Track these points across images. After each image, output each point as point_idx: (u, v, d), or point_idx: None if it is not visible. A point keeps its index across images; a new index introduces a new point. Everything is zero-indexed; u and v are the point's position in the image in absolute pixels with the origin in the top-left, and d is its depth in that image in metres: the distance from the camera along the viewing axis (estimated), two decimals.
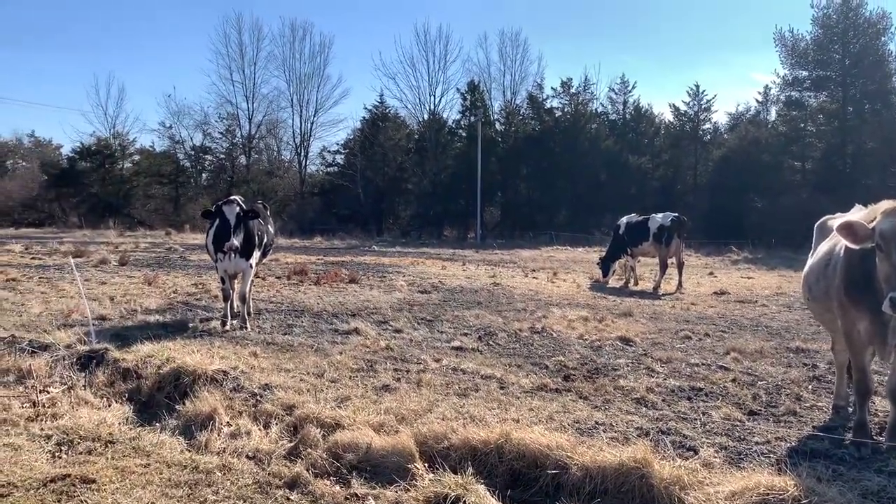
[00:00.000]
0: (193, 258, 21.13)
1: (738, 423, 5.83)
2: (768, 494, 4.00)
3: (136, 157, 61.24)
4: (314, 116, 62.14)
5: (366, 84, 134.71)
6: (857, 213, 5.42)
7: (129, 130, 61.90)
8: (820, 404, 6.60)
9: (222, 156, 62.52)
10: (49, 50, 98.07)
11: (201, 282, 14.85)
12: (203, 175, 63.71)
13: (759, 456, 5.01)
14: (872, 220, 4.75)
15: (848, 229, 4.85)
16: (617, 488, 4.32)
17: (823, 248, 5.79)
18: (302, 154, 62.98)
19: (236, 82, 60.81)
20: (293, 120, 62.76)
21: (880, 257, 4.63)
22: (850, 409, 6.17)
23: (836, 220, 5.47)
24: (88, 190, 56.08)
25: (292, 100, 61.76)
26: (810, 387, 7.29)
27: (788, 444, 5.30)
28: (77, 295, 11.29)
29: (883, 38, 48.17)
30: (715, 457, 4.87)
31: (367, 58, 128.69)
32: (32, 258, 20.43)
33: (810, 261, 6.25)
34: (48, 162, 61.12)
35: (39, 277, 14.90)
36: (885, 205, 4.75)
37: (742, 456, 5.00)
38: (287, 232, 43.24)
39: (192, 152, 61.38)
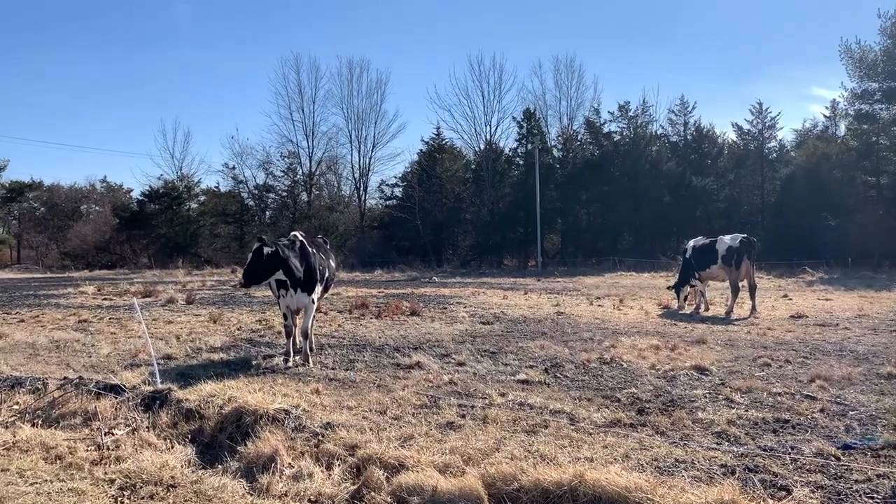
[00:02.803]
0: (257, 295, 21.39)
1: (833, 459, 5.36)
2: None
3: (202, 198, 63.35)
4: (372, 151, 63.13)
5: (422, 117, 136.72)
6: None
7: (194, 172, 64.25)
8: None
9: (284, 193, 64.02)
10: (118, 98, 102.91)
11: (264, 318, 14.96)
12: (266, 213, 65.30)
13: (861, 496, 4.57)
14: None
15: None
16: None
17: None
18: (361, 188, 63.93)
19: (296, 121, 62.42)
20: (352, 155, 63.94)
21: None
22: None
23: None
24: (157, 231, 58.07)
25: (351, 136, 62.97)
26: None
27: (892, 483, 4.83)
28: (144, 335, 11.49)
29: None
30: (811, 498, 4.47)
31: (422, 91, 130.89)
32: (104, 299, 21.05)
33: None
34: (119, 205, 63.71)
35: (110, 318, 15.28)
36: None
37: (841, 496, 4.57)
38: (348, 266, 43.71)
39: (256, 191, 63.07)
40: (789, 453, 5.50)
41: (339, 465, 5.21)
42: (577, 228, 56.81)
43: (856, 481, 4.88)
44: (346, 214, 64.05)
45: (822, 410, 6.94)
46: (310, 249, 10.15)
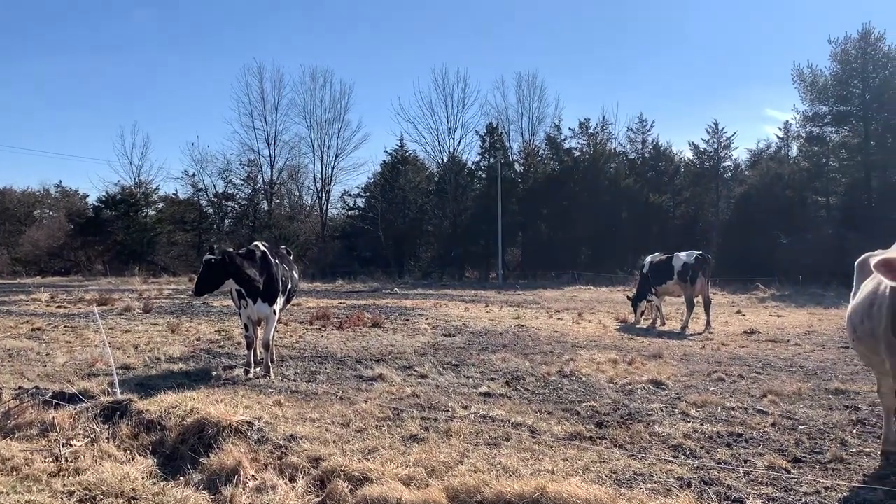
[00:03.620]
0: (216, 304, 21.13)
1: (784, 472, 5.56)
2: None
3: (160, 205, 62.18)
4: (335, 161, 62.85)
5: (385, 128, 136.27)
6: None
7: (153, 179, 62.96)
8: (867, 450, 6.29)
9: (244, 202, 63.29)
10: (76, 102, 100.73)
11: (224, 328, 14.80)
12: (226, 221, 64.46)
13: None
14: None
15: (888, 266, 4.67)
16: None
17: (868, 286, 5.58)
18: (323, 198, 63.55)
19: (258, 129, 61.84)
20: (314, 165, 63.56)
21: None
22: None
23: (878, 257, 5.28)
24: (113, 238, 56.86)
25: (313, 145, 62.61)
26: (855, 431, 6.98)
27: (839, 495, 5.03)
28: (102, 344, 11.28)
29: None
30: None
31: (386, 102, 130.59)
32: (58, 307, 20.57)
33: (854, 300, 6.02)
34: (74, 211, 62.18)
35: (65, 326, 14.94)
36: None
37: None
38: (308, 276, 43.32)
39: (215, 199, 62.21)
40: (742, 466, 5.68)
41: (302, 477, 5.21)
42: (538, 242, 57.32)
43: (805, 493, 5.07)
44: (308, 224, 63.59)
45: (773, 425, 7.17)
46: (272, 260, 10.10)
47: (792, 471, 5.62)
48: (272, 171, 62.33)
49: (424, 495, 4.63)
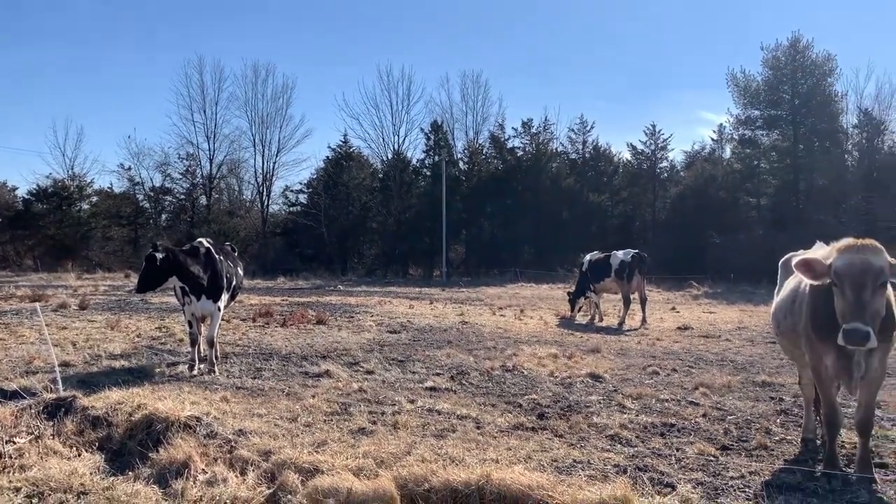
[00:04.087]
0: (155, 301, 20.71)
1: (713, 459, 5.91)
2: None
3: (95, 199, 60.16)
4: (276, 156, 61.97)
5: (329, 124, 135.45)
6: (818, 251, 5.62)
7: (87, 172, 60.96)
8: (789, 438, 6.73)
9: (182, 196, 61.90)
10: (5, 92, 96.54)
11: (164, 325, 14.58)
12: (163, 216, 62.92)
13: (735, 491, 5.09)
14: (830, 258, 4.96)
15: (806, 266, 5.06)
16: None
17: (790, 284, 5.99)
18: (264, 193, 62.58)
19: (197, 122, 60.48)
20: (255, 160, 62.53)
21: (836, 293, 4.84)
22: (819, 442, 6.32)
23: (799, 257, 5.66)
24: (45, 232, 54.76)
25: (254, 139, 61.61)
26: (779, 420, 7.44)
27: (762, 479, 5.40)
28: (38, 341, 11.03)
29: (829, 79, 50.16)
30: (693, 493, 4.93)
31: (330, 98, 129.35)
32: None
33: (777, 297, 6.43)
34: (2, 204, 59.63)
35: None
36: (842, 242, 4.96)
37: (719, 491, 5.08)
38: (249, 273, 42.54)
39: (152, 193, 60.65)
40: (674, 454, 6.02)
41: (253, 470, 5.29)
42: (481, 240, 57.89)
43: (731, 478, 5.42)
44: (248, 220, 62.57)
45: (704, 415, 7.57)
46: (216, 256, 10.07)
47: (720, 457, 5.98)
48: (211, 166, 61.12)
49: (374, 485, 4.77)
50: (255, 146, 61.62)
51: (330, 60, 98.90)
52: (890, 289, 5.37)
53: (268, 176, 62.07)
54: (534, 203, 54.52)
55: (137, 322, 15.20)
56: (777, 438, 6.71)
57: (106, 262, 52.53)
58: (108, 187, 61.45)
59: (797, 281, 5.68)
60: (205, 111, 60.49)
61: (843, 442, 6.30)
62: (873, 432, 6.77)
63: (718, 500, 4.83)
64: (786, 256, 6.61)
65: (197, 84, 60.77)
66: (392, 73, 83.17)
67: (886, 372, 5.51)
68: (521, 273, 46.00)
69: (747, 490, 5.10)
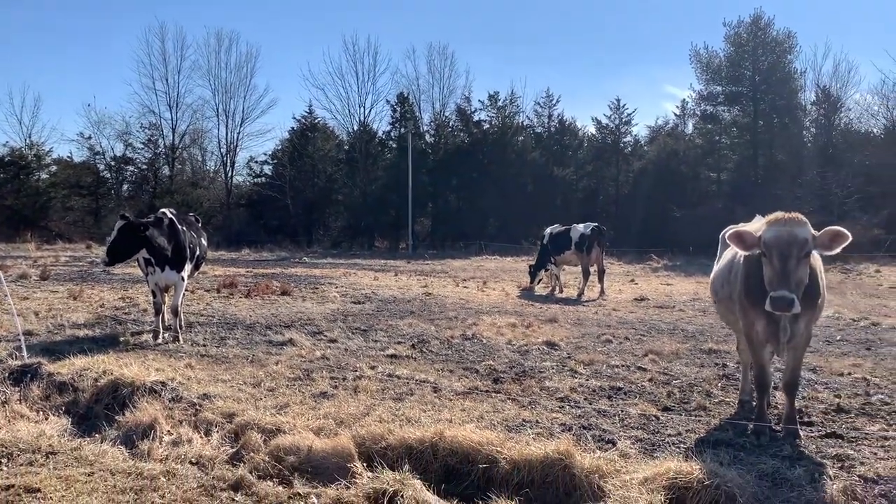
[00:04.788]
0: (117, 272, 20.54)
1: (654, 419, 6.31)
2: (676, 478, 4.43)
3: (54, 168, 58.82)
4: (240, 126, 61.16)
5: (294, 94, 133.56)
6: (755, 223, 5.99)
7: (45, 141, 59.77)
8: (728, 399, 7.17)
9: (144, 166, 60.81)
10: None
11: (128, 295, 14.62)
12: (124, 186, 61.80)
13: (670, 446, 5.48)
14: (760, 230, 5.32)
15: (738, 238, 5.43)
16: (542, 478, 4.69)
17: (727, 255, 6.37)
18: (228, 164, 61.82)
19: (159, 91, 59.34)
20: (218, 129, 61.70)
21: (764, 262, 5.21)
22: (754, 403, 6.75)
23: (732, 229, 6.03)
24: (2, 202, 53.57)
25: (217, 109, 60.67)
26: (720, 384, 7.88)
27: (697, 436, 5.81)
28: (2, 310, 11.04)
29: (789, 56, 51.14)
30: (631, 448, 5.31)
31: (294, 68, 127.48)
32: None
33: (716, 267, 6.83)
34: None
35: None
36: (771, 216, 5.32)
37: (655, 447, 5.46)
38: (213, 244, 42.31)
39: (113, 163, 59.45)
40: (619, 414, 6.40)
41: (217, 431, 5.54)
42: (447, 213, 58.12)
43: (669, 435, 5.82)
44: (212, 191, 61.82)
45: (650, 380, 7.99)
46: (180, 227, 10.18)
47: (661, 417, 6.38)
48: (174, 135, 60.10)
49: (334, 442, 5.05)
50: (218, 116, 60.78)
51: (295, 29, 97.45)
52: (818, 260, 5.78)
53: (232, 146, 61.35)
54: (500, 176, 54.81)
55: (100, 292, 15.20)
56: (717, 400, 7.14)
57: (66, 232, 51.58)
58: (68, 157, 60.03)
59: (733, 252, 6.06)
60: (167, 79, 59.38)
61: (776, 403, 6.76)
62: (806, 394, 7.29)
63: (654, 455, 5.20)
64: (726, 229, 6.98)
65: (158, 52, 59.60)
66: (358, 43, 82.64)
67: (812, 336, 5.92)
68: (486, 246, 46.42)
69: (682, 446, 5.49)
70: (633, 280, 24.46)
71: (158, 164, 60.47)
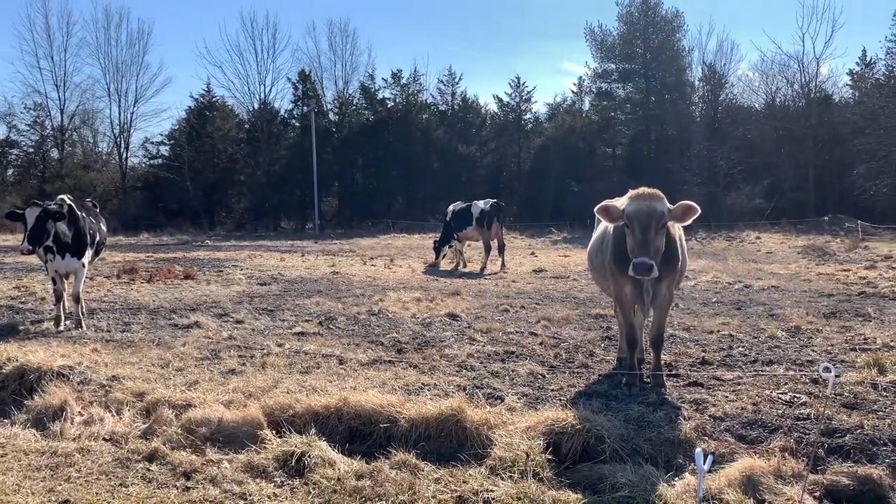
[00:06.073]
0: (8, 261, 19.83)
1: (540, 377, 6.96)
2: (553, 425, 5.03)
3: None
4: (134, 106, 58.83)
5: (190, 72, 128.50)
6: (622, 199, 6.67)
7: None
8: (608, 358, 7.90)
9: (31, 150, 57.63)
10: None
11: (23, 285, 14.18)
12: (9, 171, 58.35)
13: (552, 400, 6.12)
14: (623, 204, 6.00)
15: (605, 211, 6.11)
16: (438, 433, 5.19)
17: (600, 228, 7.07)
18: (122, 146, 59.42)
19: (44, 70, 56.23)
20: (111, 110, 59.16)
21: (627, 233, 5.90)
22: None
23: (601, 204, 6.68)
24: None
25: (109, 88, 58.09)
26: (603, 345, 8.64)
27: (577, 389, 6.48)
28: None
29: (677, 35, 53.86)
30: (517, 402, 5.91)
31: (190, 45, 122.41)
32: None
33: (592, 238, 7.53)
34: None
35: None
36: (634, 192, 6.00)
37: (539, 401, 6.09)
38: (110, 229, 40.67)
39: None
40: (509, 375, 7.02)
41: (128, 409, 5.75)
42: (354, 191, 58.03)
43: (552, 390, 6.46)
44: (105, 174, 59.26)
45: (541, 343, 8.67)
46: (79, 213, 10.09)
47: (546, 375, 7.04)
48: (62, 116, 57.22)
49: (243, 413, 5.39)
50: (109, 96, 58.25)
51: (189, 4, 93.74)
52: (680, 229, 6.53)
53: (125, 127, 59.00)
54: (405, 154, 55.19)
55: None
56: (598, 359, 7.88)
57: None
58: None
59: (605, 225, 6.74)
60: (52, 58, 56.35)
61: (648, 360, 7.54)
62: (678, 350, 8.13)
63: (537, 407, 5.82)
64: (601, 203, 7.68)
65: (42, 28, 56.47)
66: (256, 19, 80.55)
67: (674, 297, 6.69)
68: (394, 224, 46.80)
69: (563, 398, 6.14)
70: (533, 253, 25.48)
71: (46, 147, 57.52)
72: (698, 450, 3.98)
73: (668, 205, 5.91)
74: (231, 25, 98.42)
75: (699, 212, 5.90)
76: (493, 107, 61.52)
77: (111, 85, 58.08)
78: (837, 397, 5.91)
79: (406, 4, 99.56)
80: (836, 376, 5.66)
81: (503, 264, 18.73)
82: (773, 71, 52.83)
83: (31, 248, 9.18)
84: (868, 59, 51.90)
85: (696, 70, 55.23)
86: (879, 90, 46.91)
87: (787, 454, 4.70)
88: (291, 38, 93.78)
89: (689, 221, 5.97)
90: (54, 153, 57.65)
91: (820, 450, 4.77)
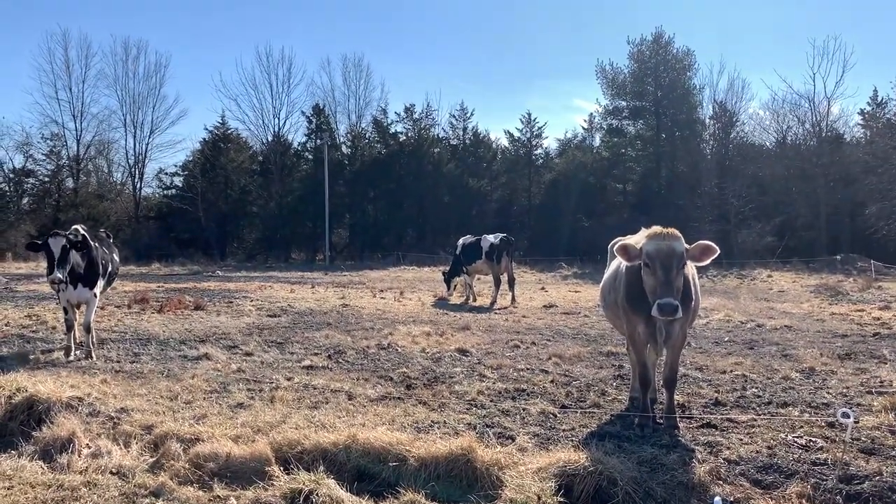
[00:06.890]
0: (21, 289, 19.94)
1: (552, 416, 6.87)
2: (565, 466, 4.95)
3: None
4: (149, 137, 59.56)
5: (206, 105, 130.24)
6: (636, 237, 6.65)
7: None
8: (621, 398, 7.81)
9: (46, 179, 58.27)
10: None
11: (35, 313, 14.24)
12: (25, 199, 58.95)
13: (564, 440, 6.03)
14: (640, 243, 5.97)
15: (623, 250, 6.07)
16: (447, 472, 5.11)
17: (613, 265, 7.03)
18: (136, 176, 60.04)
19: (62, 101, 57.09)
20: (126, 140, 59.92)
21: (646, 272, 5.85)
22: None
23: (619, 242, 6.68)
24: None
25: (125, 119, 58.93)
26: (615, 384, 8.55)
27: (589, 430, 6.39)
28: None
29: (688, 73, 54.25)
30: (529, 442, 5.83)
31: (206, 78, 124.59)
32: None
33: (605, 275, 7.49)
34: None
35: None
36: (650, 230, 5.98)
37: (550, 441, 6.00)
38: (122, 259, 40.97)
39: (13, 175, 56.71)
40: (520, 413, 6.94)
41: (136, 442, 5.71)
42: (365, 224, 58.30)
43: (563, 430, 6.38)
44: (119, 203, 59.85)
45: (552, 381, 8.58)
46: (91, 244, 10.16)
47: (558, 415, 6.95)
48: (78, 146, 57.89)
49: (251, 449, 5.34)
50: (126, 127, 59.06)
51: (206, 38, 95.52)
52: (692, 268, 6.49)
53: (140, 158, 59.67)
54: (416, 187, 55.54)
55: (4, 311, 14.75)
56: (610, 398, 7.78)
57: None
58: None
59: (617, 262, 6.71)
60: (70, 89, 57.25)
61: (661, 400, 7.45)
62: (690, 390, 8.03)
63: (549, 447, 5.73)
64: (614, 241, 7.66)
65: (61, 60, 57.37)
66: (272, 54, 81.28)
67: (687, 336, 6.63)
68: (404, 256, 46.88)
69: (574, 439, 6.05)
70: (543, 288, 25.39)
71: (62, 176, 58.12)
72: (717, 498, 3.89)
73: (686, 244, 5.88)
74: (247, 59, 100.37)
75: (717, 252, 5.87)
76: (504, 142, 62.08)
77: (127, 116, 58.99)
78: (855, 442, 5.80)
79: (419, 42, 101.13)
80: (855, 422, 5.56)
81: (513, 299, 18.66)
82: (784, 110, 53.04)
83: (60, 278, 9.28)
84: (879, 99, 51.98)
85: (707, 108, 55.56)
86: (890, 130, 46.91)
87: (804, 501, 4.61)
88: (306, 72, 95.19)
89: (708, 262, 5.94)
90: (69, 182, 58.28)
91: (838, 496, 4.67)
